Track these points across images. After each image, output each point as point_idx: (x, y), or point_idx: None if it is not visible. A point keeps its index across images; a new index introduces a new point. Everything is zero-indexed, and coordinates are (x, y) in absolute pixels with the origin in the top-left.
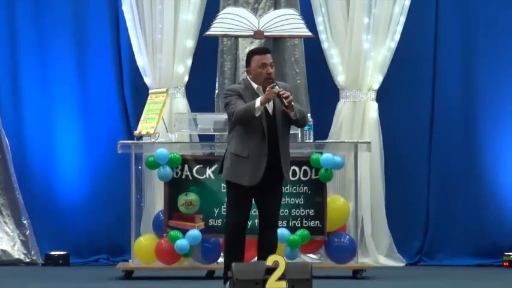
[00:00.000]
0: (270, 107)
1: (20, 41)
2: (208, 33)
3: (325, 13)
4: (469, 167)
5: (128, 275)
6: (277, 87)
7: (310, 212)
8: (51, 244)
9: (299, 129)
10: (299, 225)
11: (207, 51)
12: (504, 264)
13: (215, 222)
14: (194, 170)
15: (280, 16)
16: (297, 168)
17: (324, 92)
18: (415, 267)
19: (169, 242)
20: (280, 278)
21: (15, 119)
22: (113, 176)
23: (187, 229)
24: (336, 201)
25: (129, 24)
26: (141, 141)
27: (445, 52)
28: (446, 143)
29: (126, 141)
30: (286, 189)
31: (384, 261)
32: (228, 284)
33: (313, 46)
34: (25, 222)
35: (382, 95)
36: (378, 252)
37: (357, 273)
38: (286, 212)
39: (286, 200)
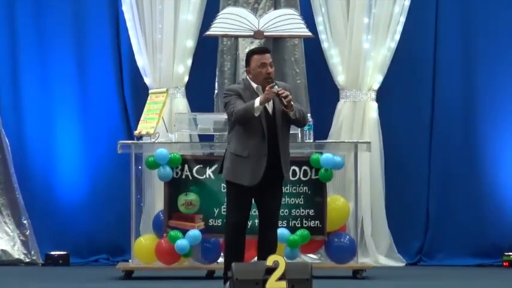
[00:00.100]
0: (269, 106)
1: (20, 41)
2: (208, 33)
3: (325, 13)
4: (469, 167)
5: (128, 275)
6: (276, 86)
7: (310, 212)
8: (51, 244)
9: (299, 129)
10: (299, 225)
11: (207, 51)
12: (504, 264)
13: (215, 222)
14: (194, 170)
15: (280, 16)
16: (297, 168)
17: (324, 92)
18: (415, 267)
19: (169, 242)
20: (280, 278)
21: (15, 119)
22: (113, 176)
23: (187, 229)
24: (336, 201)
25: (129, 24)
26: (141, 141)
27: (445, 52)
28: (446, 143)
29: (126, 141)
30: (286, 189)
31: (384, 261)
32: (228, 284)
33: (313, 46)
34: (25, 222)
35: (382, 95)
36: (378, 252)
37: (357, 273)
38: (286, 212)
39: (286, 200)
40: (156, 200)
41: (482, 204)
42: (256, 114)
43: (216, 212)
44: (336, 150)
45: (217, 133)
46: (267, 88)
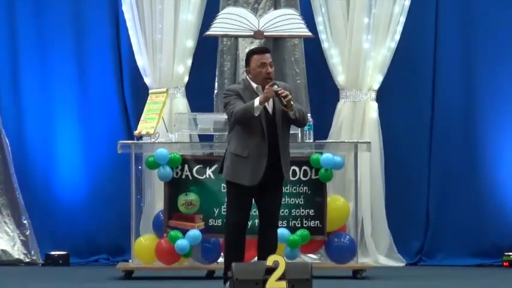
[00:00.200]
0: (269, 106)
1: (20, 41)
2: (208, 33)
3: (325, 13)
4: (469, 167)
5: (128, 275)
6: (275, 86)
7: (310, 212)
8: (51, 244)
9: (299, 129)
10: (299, 225)
11: (207, 51)
12: (504, 264)
13: (215, 222)
14: (194, 170)
15: (280, 16)
16: (297, 168)
17: (324, 92)
18: (415, 267)
19: (169, 242)
20: (280, 278)
21: (15, 119)
22: (113, 176)
23: (187, 229)
24: (336, 201)
25: (129, 24)
26: (141, 141)
27: (445, 52)
28: (446, 143)
29: (126, 141)
30: (286, 189)
31: (384, 261)
32: (228, 284)
33: (313, 46)
34: (25, 222)
35: (382, 95)
36: (378, 252)
37: (357, 273)
38: (286, 212)
39: (286, 200)
40: (156, 200)
41: (482, 204)
42: (256, 114)
43: (216, 212)
44: (336, 150)
45: (217, 133)
46: (266, 86)
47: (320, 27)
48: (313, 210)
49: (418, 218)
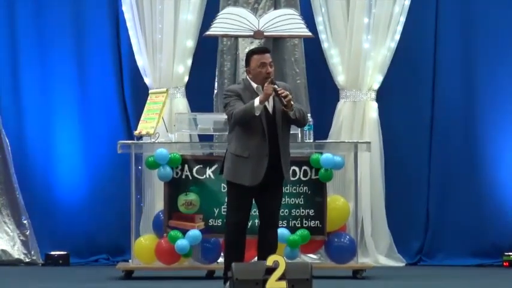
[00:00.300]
0: (269, 106)
1: (20, 41)
2: (208, 33)
3: (325, 13)
4: (469, 167)
5: (128, 275)
6: (275, 86)
7: (310, 212)
8: (51, 244)
9: (299, 129)
10: (299, 225)
11: (207, 51)
12: (504, 264)
13: (215, 222)
14: (194, 170)
15: (280, 16)
16: (297, 168)
17: (324, 92)
18: (415, 267)
19: (169, 242)
20: (280, 278)
21: (15, 119)
22: (113, 176)
23: (187, 229)
24: (336, 201)
25: (129, 24)
26: (141, 141)
27: (445, 52)
28: (446, 143)
29: (126, 141)
30: (286, 189)
31: (384, 261)
32: (228, 284)
33: (313, 46)
34: (25, 222)
35: (382, 95)
36: (378, 252)
37: (357, 273)
38: (286, 212)
39: (286, 200)
40: (156, 200)
41: (482, 204)
42: (257, 114)
43: (216, 212)
44: (336, 150)
45: (217, 133)
46: (265, 84)
47: (320, 27)
48: (313, 210)
49: (418, 218)
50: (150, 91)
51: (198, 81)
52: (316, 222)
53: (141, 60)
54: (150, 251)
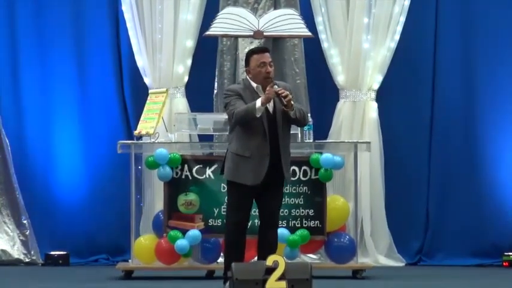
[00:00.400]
0: (270, 106)
1: (20, 41)
2: (208, 33)
3: (325, 13)
4: (469, 167)
5: (128, 275)
6: (276, 86)
7: (310, 212)
8: (51, 244)
9: (299, 129)
10: (299, 225)
11: (207, 51)
12: (504, 264)
13: (215, 222)
14: (194, 170)
15: (280, 16)
16: (297, 168)
17: (324, 92)
18: (415, 267)
19: (169, 242)
20: (280, 278)
21: (15, 119)
22: (113, 176)
23: (187, 229)
24: (335, 201)
25: (129, 24)
26: (141, 141)
27: (445, 52)
28: (446, 143)
29: (126, 141)
30: (286, 189)
31: (384, 261)
32: (228, 284)
33: (313, 46)
34: (25, 222)
35: (382, 95)
36: (378, 252)
37: (357, 273)
38: (286, 212)
39: (286, 200)
40: (156, 200)
41: (482, 204)
42: (258, 115)
43: (216, 212)
44: (336, 150)
45: (217, 133)
46: (267, 88)
47: (320, 27)
48: (313, 210)
49: (418, 218)
50: (150, 91)
51: (198, 81)
52: (316, 222)
53: (141, 60)
54: (150, 251)
